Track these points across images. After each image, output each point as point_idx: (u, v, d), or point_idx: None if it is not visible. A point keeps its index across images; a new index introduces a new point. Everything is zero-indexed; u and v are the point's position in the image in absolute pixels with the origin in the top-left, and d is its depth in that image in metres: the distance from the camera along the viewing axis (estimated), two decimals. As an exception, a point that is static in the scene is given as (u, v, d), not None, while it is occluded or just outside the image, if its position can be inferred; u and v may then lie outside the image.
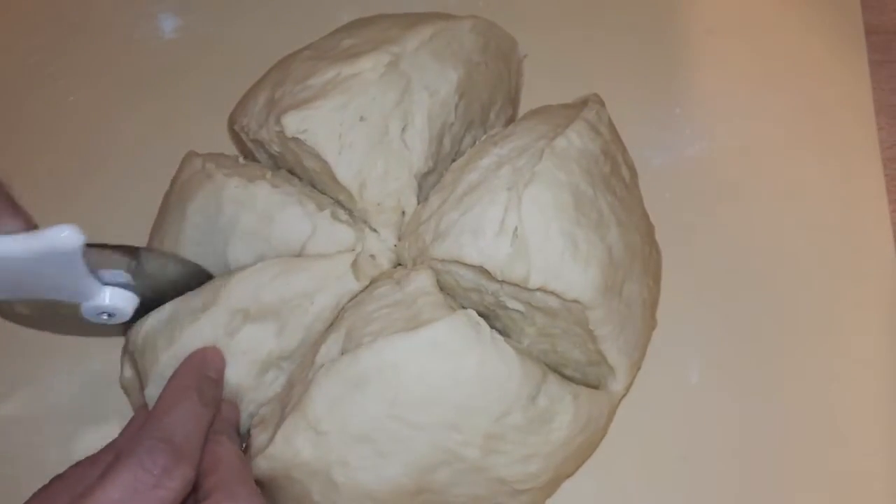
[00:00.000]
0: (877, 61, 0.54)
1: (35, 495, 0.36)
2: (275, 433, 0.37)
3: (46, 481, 0.37)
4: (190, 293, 0.40)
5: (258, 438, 0.38)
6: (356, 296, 0.40)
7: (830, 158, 0.51)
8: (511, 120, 0.49)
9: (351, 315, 0.39)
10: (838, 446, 0.45)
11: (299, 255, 0.41)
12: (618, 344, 0.40)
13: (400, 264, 0.42)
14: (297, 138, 0.40)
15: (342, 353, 0.37)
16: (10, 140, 0.52)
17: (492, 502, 0.39)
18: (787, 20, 0.55)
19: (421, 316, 0.37)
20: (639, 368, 0.42)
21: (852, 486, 0.44)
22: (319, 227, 0.41)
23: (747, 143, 0.52)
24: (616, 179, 0.42)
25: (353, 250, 0.40)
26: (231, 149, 0.50)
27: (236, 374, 0.39)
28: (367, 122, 0.41)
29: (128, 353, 0.42)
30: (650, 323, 0.43)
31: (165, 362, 0.39)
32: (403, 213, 0.41)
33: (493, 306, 0.40)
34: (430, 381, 0.36)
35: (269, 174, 0.43)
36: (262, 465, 0.37)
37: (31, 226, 0.32)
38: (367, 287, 0.40)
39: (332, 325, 0.39)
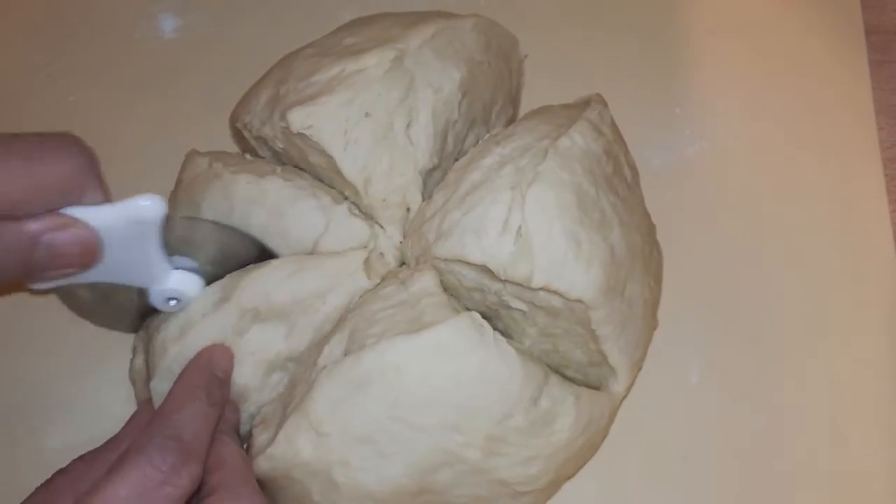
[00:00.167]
0: (877, 61, 0.54)
1: (38, 490, 0.36)
2: (276, 433, 0.37)
3: (47, 475, 0.37)
4: (206, 290, 0.40)
5: (259, 438, 0.38)
6: (363, 294, 0.40)
7: (830, 158, 0.51)
8: (512, 120, 0.49)
9: (355, 315, 0.39)
10: (838, 446, 0.45)
11: (313, 249, 0.41)
12: (619, 344, 0.40)
13: (404, 263, 0.42)
14: (303, 134, 0.40)
15: (345, 355, 0.37)
16: (10, 140, 0.52)
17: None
18: (787, 20, 0.55)
19: (424, 317, 0.37)
20: (640, 369, 0.42)
21: (852, 486, 0.44)
22: (334, 221, 0.41)
23: (747, 143, 0.52)
24: (618, 179, 0.42)
25: (366, 247, 0.40)
26: (232, 148, 0.50)
27: (242, 374, 0.39)
28: (372, 118, 0.41)
29: (142, 340, 0.42)
30: (651, 323, 0.43)
31: (173, 356, 0.39)
32: (408, 209, 0.41)
33: (495, 306, 0.40)
34: (432, 383, 0.36)
35: (279, 169, 0.42)
36: (263, 464, 0.37)
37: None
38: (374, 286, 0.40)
39: (336, 326, 0.39)
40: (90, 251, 0.33)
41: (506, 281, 0.38)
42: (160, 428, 0.34)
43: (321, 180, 0.43)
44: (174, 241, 0.37)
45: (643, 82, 0.53)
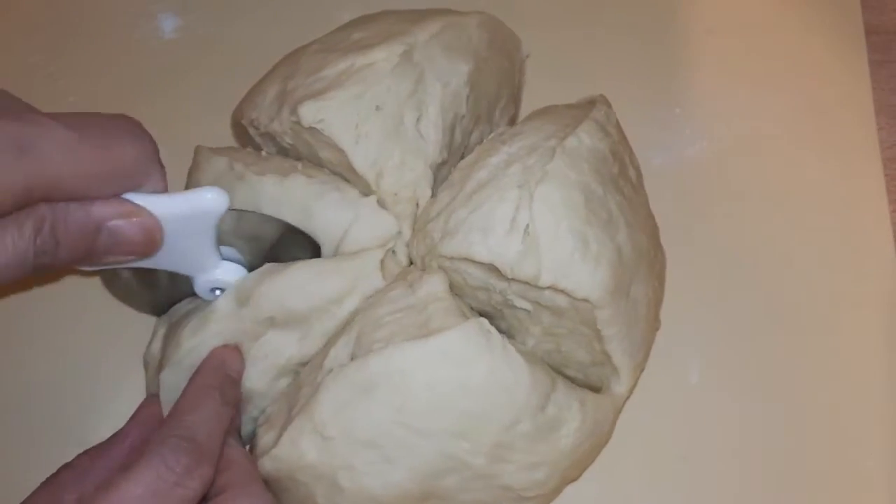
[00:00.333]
0: (877, 61, 0.54)
1: (44, 484, 0.36)
2: (281, 434, 0.37)
3: (49, 468, 0.37)
4: (229, 289, 0.40)
5: (264, 439, 0.38)
6: (372, 295, 0.40)
7: (830, 158, 0.51)
8: (514, 119, 0.49)
9: (362, 318, 0.38)
10: (838, 446, 0.45)
11: (342, 243, 0.40)
12: (623, 345, 0.40)
13: (412, 262, 0.42)
14: (314, 128, 0.40)
15: (352, 358, 0.37)
16: (10, 140, 0.52)
17: (497, 509, 0.39)
18: (787, 20, 0.55)
19: (432, 323, 0.37)
20: (642, 370, 0.42)
21: (852, 486, 0.44)
22: (361, 214, 0.40)
23: (747, 143, 0.52)
24: (624, 180, 0.42)
25: (385, 246, 0.40)
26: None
27: (250, 378, 0.39)
28: (382, 112, 0.40)
29: (166, 326, 0.42)
30: (654, 324, 0.43)
31: (186, 352, 0.39)
32: (418, 204, 0.41)
33: (499, 305, 0.40)
34: (438, 389, 0.36)
35: (300, 165, 0.42)
36: (268, 465, 0.37)
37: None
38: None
39: (343, 328, 0.39)
40: (152, 241, 0.33)
41: (512, 280, 0.38)
42: (175, 428, 0.34)
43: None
44: (223, 232, 0.37)
45: (643, 82, 0.53)
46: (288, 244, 0.40)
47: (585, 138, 0.40)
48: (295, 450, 0.37)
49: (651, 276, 0.42)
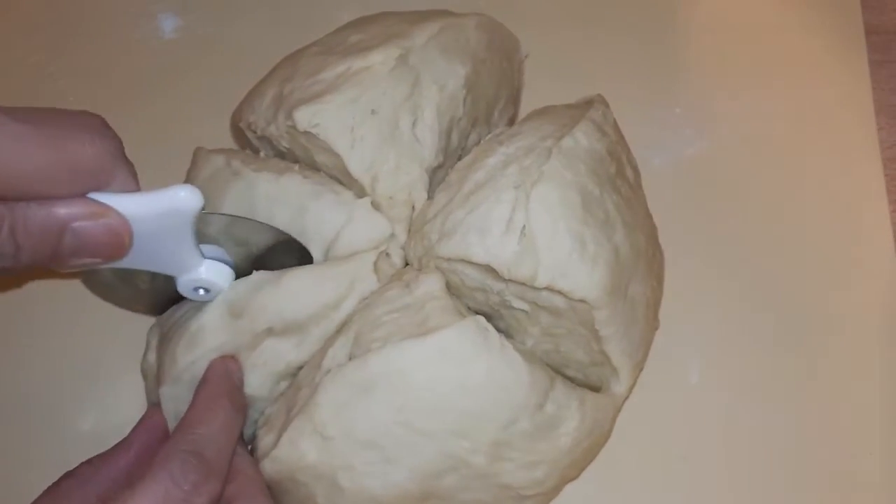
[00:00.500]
0: (877, 61, 0.54)
1: (45, 493, 0.36)
2: (280, 436, 0.37)
3: (48, 474, 0.37)
4: (219, 298, 0.39)
5: (264, 440, 0.38)
6: (368, 296, 0.40)
7: (830, 158, 0.51)
8: (513, 119, 0.49)
9: (359, 318, 0.38)
10: (838, 446, 0.45)
11: (334, 243, 0.40)
12: (621, 345, 0.40)
13: (408, 263, 0.42)
14: (309, 132, 0.40)
15: (350, 358, 0.37)
16: (10, 140, 0.52)
17: (496, 507, 0.39)
18: (787, 20, 0.55)
19: (429, 322, 0.37)
20: (641, 369, 0.42)
21: (852, 486, 0.44)
22: (356, 215, 0.40)
23: (747, 143, 0.52)
24: (621, 180, 0.42)
25: (378, 248, 0.40)
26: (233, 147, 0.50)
27: (250, 385, 0.39)
28: (378, 116, 0.40)
29: (157, 336, 0.42)
30: (653, 324, 0.43)
31: (183, 367, 0.38)
32: (413, 207, 0.41)
33: (497, 306, 0.40)
34: (437, 389, 0.36)
35: (297, 166, 0.42)
36: (268, 467, 0.37)
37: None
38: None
39: (340, 329, 0.39)
40: (121, 243, 0.31)
41: (509, 281, 0.38)
42: (183, 442, 0.33)
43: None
44: (210, 233, 0.36)
45: (643, 82, 0.53)
46: (278, 251, 0.40)
47: (582, 138, 0.40)
48: (295, 450, 0.37)
49: (649, 275, 0.42)
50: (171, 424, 0.39)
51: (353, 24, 0.47)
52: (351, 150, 0.40)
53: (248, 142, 0.46)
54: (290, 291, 0.38)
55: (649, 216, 0.45)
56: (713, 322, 0.47)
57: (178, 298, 0.40)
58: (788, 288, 0.48)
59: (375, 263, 0.40)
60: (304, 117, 0.40)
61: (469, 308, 0.40)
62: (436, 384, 0.36)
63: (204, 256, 0.37)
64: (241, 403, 0.37)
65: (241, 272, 0.39)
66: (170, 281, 0.37)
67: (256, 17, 0.55)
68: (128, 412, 0.42)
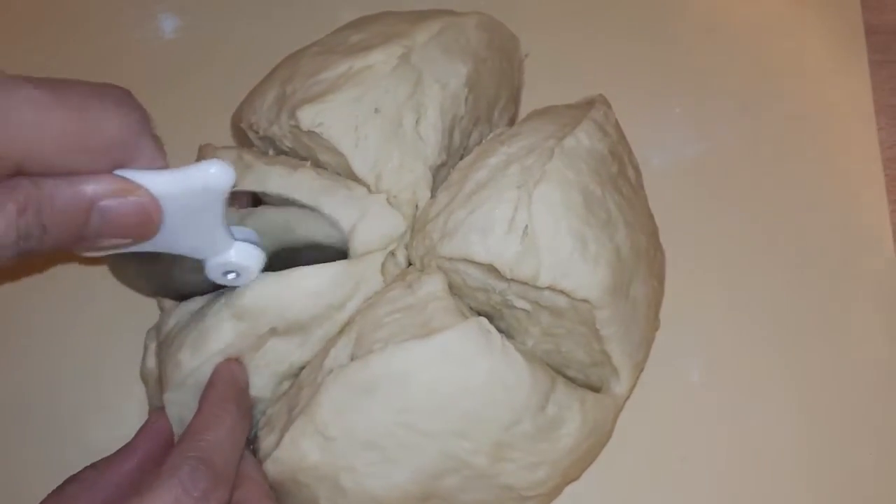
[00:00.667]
0: (877, 61, 0.54)
1: (49, 497, 0.36)
2: (282, 436, 0.37)
3: (49, 478, 0.37)
4: (217, 302, 0.38)
5: (265, 441, 0.38)
6: (370, 296, 0.40)
7: (830, 158, 0.51)
8: (513, 119, 0.49)
9: (361, 318, 0.38)
10: (838, 446, 0.45)
11: (348, 238, 0.40)
12: (622, 345, 0.40)
13: (410, 263, 0.42)
14: (313, 132, 0.40)
15: (352, 359, 0.37)
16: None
17: (497, 508, 0.39)
18: (787, 20, 0.55)
19: (432, 322, 0.37)
20: (642, 369, 0.42)
21: (853, 486, 0.44)
22: (370, 212, 0.40)
23: (747, 143, 0.52)
24: (623, 180, 0.42)
25: (389, 245, 0.40)
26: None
27: (254, 386, 0.39)
28: (381, 115, 0.40)
29: (157, 342, 0.42)
30: (654, 324, 0.43)
31: (188, 371, 0.38)
32: (417, 206, 0.41)
33: (499, 305, 0.40)
34: (439, 390, 0.36)
35: (308, 162, 0.42)
36: (270, 468, 0.37)
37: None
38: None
39: (343, 329, 0.39)
40: (150, 222, 0.29)
41: (511, 280, 0.38)
42: (193, 449, 0.33)
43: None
44: (242, 216, 0.35)
45: (643, 82, 0.53)
46: (315, 246, 0.39)
47: (584, 138, 0.40)
48: (296, 451, 0.36)
49: (650, 275, 0.42)
50: (176, 429, 0.39)
51: (354, 23, 0.47)
52: (355, 148, 0.40)
53: (248, 142, 0.46)
54: (294, 291, 0.38)
55: (650, 216, 0.45)
56: (713, 322, 0.47)
57: (203, 285, 0.38)
58: (788, 288, 0.48)
59: (383, 264, 0.40)
60: (308, 117, 0.40)
61: (471, 308, 0.40)
62: (437, 385, 0.36)
63: (234, 238, 0.35)
64: (247, 408, 0.37)
65: (271, 254, 0.37)
66: (196, 266, 0.36)
67: (256, 17, 0.55)
68: (129, 416, 0.43)
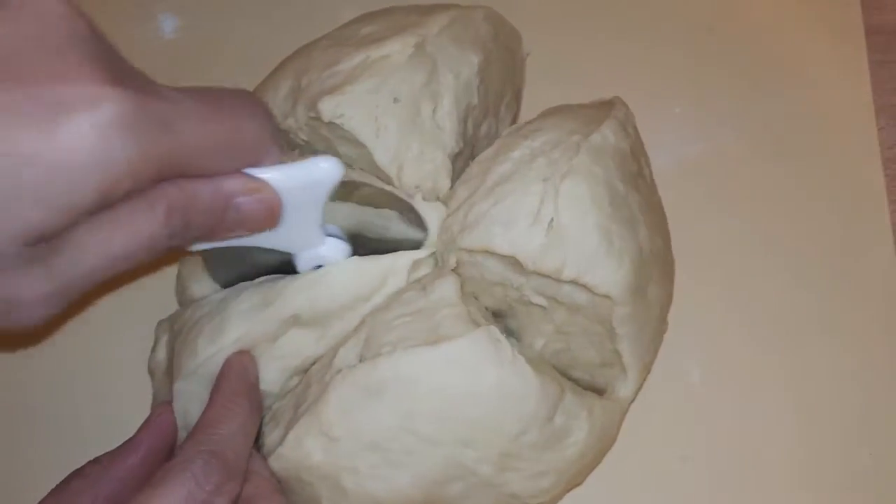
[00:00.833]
0: (877, 61, 0.54)
1: (53, 492, 0.36)
2: (287, 433, 0.37)
3: (51, 472, 0.37)
4: (247, 290, 0.39)
5: (270, 437, 0.38)
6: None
7: (830, 158, 0.51)
8: (516, 117, 0.49)
9: (372, 319, 0.38)
10: (838, 446, 0.45)
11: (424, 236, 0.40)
12: (634, 345, 0.39)
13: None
14: (333, 123, 0.40)
15: (360, 359, 0.37)
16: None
17: (501, 515, 0.39)
18: (787, 20, 0.55)
19: (441, 329, 0.36)
20: (648, 372, 0.42)
21: (852, 486, 0.44)
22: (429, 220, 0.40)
23: (747, 143, 0.52)
24: (641, 180, 0.42)
25: (420, 249, 0.40)
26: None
27: (264, 381, 0.38)
28: (400, 104, 0.40)
29: (170, 332, 0.41)
30: (662, 327, 0.43)
31: (204, 359, 0.38)
32: (438, 197, 0.41)
33: (514, 302, 0.40)
34: (447, 398, 0.36)
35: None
36: (274, 465, 0.37)
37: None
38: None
39: (354, 327, 0.39)
40: (274, 216, 0.32)
41: (532, 273, 0.37)
42: (205, 442, 0.33)
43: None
44: (328, 208, 0.35)
45: (643, 82, 0.53)
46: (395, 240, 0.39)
47: (609, 136, 0.40)
48: (300, 449, 0.36)
49: (664, 278, 0.42)
50: (181, 422, 0.39)
51: (360, 19, 0.46)
52: (376, 139, 0.40)
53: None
54: (327, 280, 0.38)
55: (665, 218, 0.45)
56: (714, 322, 0.47)
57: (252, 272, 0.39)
58: (788, 288, 0.48)
59: (414, 262, 0.39)
60: (329, 108, 0.40)
61: (486, 308, 0.40)
62: (445, 393, 0.36)
63: (326, 234, 0.36)
64: (258, 402, 0.37)
65: (357, 248, 0.39)
66: (269, 256, 0.36)
67: (256, 17, 0.55)
68: (132, 410, 0.42)
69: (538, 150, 0.39)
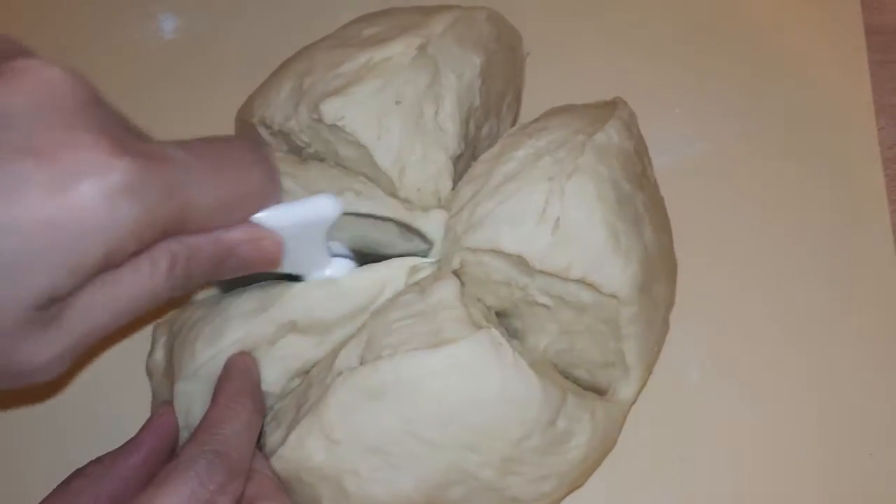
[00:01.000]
0: (877, 61, 0.54)
1: (55, 491, 0.36)
2: (288, 433, 0.37)
3: (54, 471, 0.37)
4: (245, 294, 0.39)
5: (272, 437, 0.38)
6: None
7: (830, 158, 0.51)
8: (516, 116, 0.49)
9: (373, 321, 0.38)
10: (838, 446, 0.45)
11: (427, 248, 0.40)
12: (639, 345, 0.39)
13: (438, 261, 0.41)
14: (335, 126, 0.40)
15: (361, 361, 0.37)
16: (10, 140, 0.52)
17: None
18: (787, 20, 0.55)
19: (442, 332, 0.36)
20: (650, 373, 0.42)
21: (852, 486, 0.44)
22: (419, 225, 0.40)
23: (747, 143, 0.52)
24: (645, 180, 0.42)
25: (416, 255, 0.40)
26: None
27: (265, 381, 0.38)
28: (402, 106, 0.40)
29: (169, 333, 0.41)
30: (665, 328, 0.43)
31: (203, 361, 0.38)
32: (440, 199, 0.41)
33: (518, 302, 0.40)
34: (448, 401, 0.36)
35: (342, 175, 0.41)
36: (276, 465, 0.37)
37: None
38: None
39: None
40: (276, 259, 0.33)
41: (539, 272, 0.37)
42: (209, 442, 0.33)
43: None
44: (332, 229, 0.36)
45: (643, 82, 0.53)
46: (396, 245, 0.40)
47: (614, 135, 0.40)
48: (302, 450, 0.36)
49: (668, 278, 0.42)
50: (183, 421, 0.39)
51: (361, 19, 0.46)
52: (378, 141, 0.40)
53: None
54: (325, 288, 0.38)
55: (667, 219, 0.45)
56: (714, 322, 0.47)
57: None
58: (788, 288, 0.48)
59: (412, 267, 0.39)
60: (331, 110, 0.40)
61: (488, 307, 0.40)
62: (446, 397, 0.36)
63: (331, 254, 0.38)
64: (261, 401, 0.37)
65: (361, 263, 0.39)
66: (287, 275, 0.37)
67: (256, 17, 0.55)
68: (133, 410, 0.43)
69: (543, 149, 0.39)
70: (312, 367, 0.39)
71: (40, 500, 0.36)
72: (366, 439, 0.36)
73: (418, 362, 0.36)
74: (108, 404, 0.45)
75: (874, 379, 0.46)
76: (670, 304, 0.43)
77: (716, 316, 0.47)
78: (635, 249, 0.38)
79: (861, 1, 0.55)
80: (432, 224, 0.40)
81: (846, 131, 0.52)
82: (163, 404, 0.40)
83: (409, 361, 0.36)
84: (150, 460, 0.37)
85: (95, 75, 0.55)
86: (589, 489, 0.43)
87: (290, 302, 0.38)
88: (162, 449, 0.38)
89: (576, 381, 0.41)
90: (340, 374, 0.37)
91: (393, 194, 0.41)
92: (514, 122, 0.48)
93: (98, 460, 0.37)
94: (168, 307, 0.45)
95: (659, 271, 0.41)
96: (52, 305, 0.26)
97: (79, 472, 0.37)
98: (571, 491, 0.41)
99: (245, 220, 0.31)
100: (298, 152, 0.44)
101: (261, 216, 0.31)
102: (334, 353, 0.38)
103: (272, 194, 0.31)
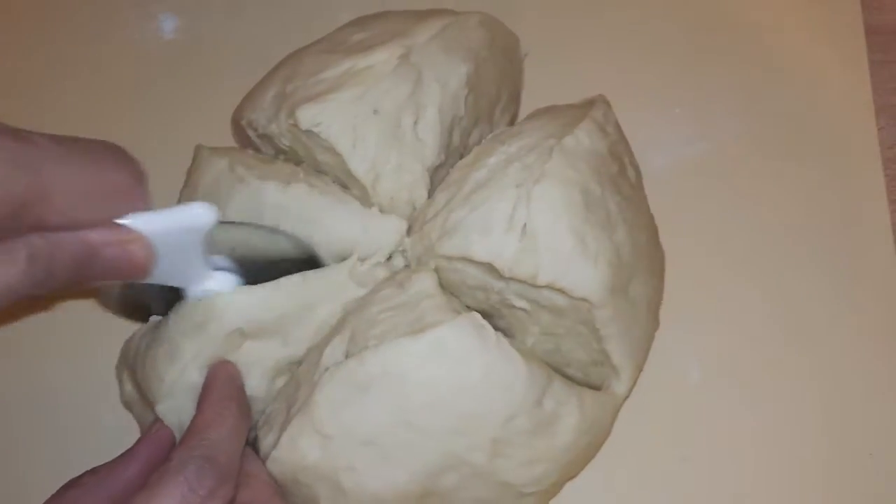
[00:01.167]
0: (877, 61, 0.54)
1: (48, 502, 0.36)
2: (280, 435, 0.37)
3: (47, 482, 0.37)
4: (177, 313, 0.38)
5: (265, 441, 0.38)
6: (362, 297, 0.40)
7: (830, 158, 0.51)
8: (514, 118, 0.49)
9: (354, 317, 0.38)
10: (838, 446, 0.45)
11: (348, 255, 0.40)
12: (622, 344, 0.40)
13: (407, 265, 0.42)
14: (311, 131, 0.40)
15: (347, 356, 0.37)
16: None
17: (496, 505, 0.39)
18: (787, 20, 0.55)
19: (425, 319, 0.37)
20: (641, 369, 0.42)
21: (852, 486, 0.44)
22: (372, 225, 0.40)
23: (747, 143, 0.52)
24: (623, 180, 0.42)
25: (349, 257, 0.40)
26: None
27: (248, 386, 0.38)
28: (380, 115, 0.40)
29: (126, 368, 0.41)
30: (654, 324, 0.43)
31: (171, 382, 0.37)
32: (414, 207, 0.41)
33: (498, 305, 0.40)
34: (435, 386, 0.36)
35: (302, 173, 0.42)
36: (271, 469, 0.37)
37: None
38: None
39: (335, 327, 0.39)
40: (144, 265, 0.32)
41: (510, 279, 0.38)
42: (197, 447, 0.33)
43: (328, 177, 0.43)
44: (212, 242, 0.36)
45: (643, 82, 0.53)
46: (289, 260, 0.40)
47: (584, 138, 0.40)
48: (295, 450, 0.36)
49: (650, 275, 0.42)
50: (178, 435, 0.39)
51: (356, 22, 0.47)
52: (353, 149, 0.40)
53: (248, 140, 0.46)
54: (253, 298, 0.38)
55: (650, 216, 0.45)
56: (713, 322, 0.47)
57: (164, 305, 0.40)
58: (788, 288, 0.48)
59: (350, 272, 0.39)
60: (307, 116, 0.40)
61: (468, 307, 0.40)
62: (433, 382, 0.36)
63: (212, 268, 0.37)
64: (246, 405, 0.37)
65: (249, 278, 0.39)
66: (174, 292, 0.37)
67: (256, 17, 0.55)
68: (127, 420, 0.43)
69: (514, 155, 0.40)
70: (290, 364, 0.39)
71: (40, 500, 0.36)
72: (357, 433, 0.36)
73: (403, 349, 0.36)
74: (109, 405, 0.45)
75: (874, 379, 0.46)
76: (656, 300, 0.43)
77: (716, 316, 0.47)
78: (604, 252, 0.38)
79: (861, 1, 0.55)
80: (386, 228, 0.40)
81: (846, 131, 0.52)
82: (157, 420, 0.39)
83: (395, 349, 0.36)
84: (147, 472, 0.37)
85: (95, 75, 0.56)
86: (589, 489, 0.43)
87: (223, 314, 0.37)
88: (158, 460, 0.38)
89: (570, 380, 0.41)
90: (327, 370, 0.37)
91: (365, 203, 0.41)
92: (510, 125, 0.48)
93: (94, 471, 0.37)
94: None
95: (637, 270, 0.41)
96: None
97: (73, 483, 0.36)
98: (565, 481, 0.41)
99: (111, 221, 0.30)
100: (284, 155, 0.44)
101: (129, 220, 0.30)
102: (320, 350, 0.38)
103: (140, 198, 0.30)
